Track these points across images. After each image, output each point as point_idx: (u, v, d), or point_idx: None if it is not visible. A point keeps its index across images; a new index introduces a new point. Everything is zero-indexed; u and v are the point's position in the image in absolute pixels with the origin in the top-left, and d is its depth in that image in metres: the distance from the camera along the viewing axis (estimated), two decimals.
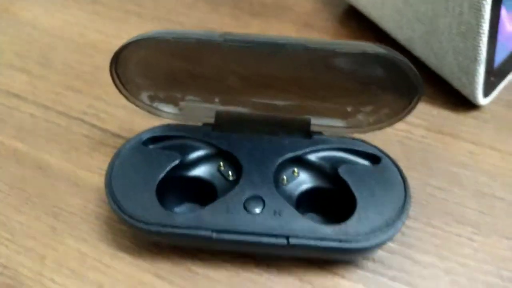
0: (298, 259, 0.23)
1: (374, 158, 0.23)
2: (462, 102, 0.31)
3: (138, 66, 0.22)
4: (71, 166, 0.27)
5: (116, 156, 0.23)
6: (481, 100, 0.30)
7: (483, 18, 0.26)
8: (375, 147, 0.23)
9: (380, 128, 0.24)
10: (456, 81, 0.30)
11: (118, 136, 0.29)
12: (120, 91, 0.24)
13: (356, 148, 0.23)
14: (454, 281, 0.22)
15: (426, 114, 0.30)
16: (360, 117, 0.24)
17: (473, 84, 0.29)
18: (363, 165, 0.23)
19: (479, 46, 0.27)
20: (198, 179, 0.23)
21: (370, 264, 0.23)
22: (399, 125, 0.26)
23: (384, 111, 0.23)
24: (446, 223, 0.25)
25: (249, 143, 0.23)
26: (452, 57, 0.29)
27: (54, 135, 0.29)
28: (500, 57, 0.30)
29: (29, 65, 0.34)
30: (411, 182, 0.23)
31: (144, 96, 0.24)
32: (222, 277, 0.23)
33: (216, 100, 0.24)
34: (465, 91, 0.30)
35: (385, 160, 0.23)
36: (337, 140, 0.24)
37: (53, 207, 0.26)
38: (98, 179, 0.27)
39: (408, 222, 0.24)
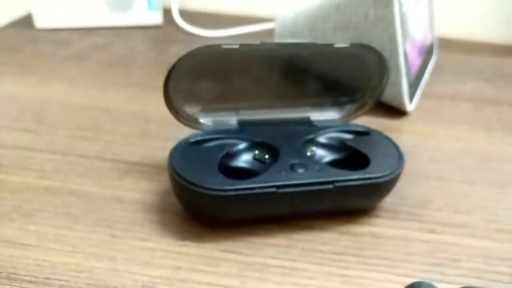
0: (332, 217, 0.29)
1: (364, 133, 0.31)
2: (393, 111, 0.41)
3: (184, 79, 0.28)
4: (108, 190, 0.30)
5: (172, 155, 0.27)
6: (408, 106, 0.41)
7: (398, 44, 0.38)
8: (360, 125, 0.32)
9: (364, 112, 0.32)
10: (389, 97, 0.41)
11: (142, 164, 0.32)
12: (167, 105, 0.28)
13: (349, 128, 0.31)
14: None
15: (371, 123, 0.40)
16: (350, 106, 0.32)
17: (401, 94, 0.40)
18: (361, 136, 0.31)
19: (400, 63, 0.38)
20: (241, 168, 0.28)
21: (383, 213, 0.30)
22: None
23: (367, 97, 0.32)
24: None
25: (272, 134, 0.30)
26: None
27: (81, 171, 0.31)
28: (410, 77, 0.42)
29: (28, 126, 0.36)
30: None
31: (186, 109, 0.29)
32: (282, 241, 0.27)
33: (238, 109, 0.31)
34: (396, 102, 0.41)
35: (372, 132, 0.31)
36: (334, 124, 0.31)
37: (105, 220, 0.27)
38: (138, 195, 0.30)
39: None
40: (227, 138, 0.29)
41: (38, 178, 0.30)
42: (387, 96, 0.41)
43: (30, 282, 0.23)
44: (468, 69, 0.53)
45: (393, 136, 0.38)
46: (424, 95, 0.46)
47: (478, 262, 0.27)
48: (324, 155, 0.30)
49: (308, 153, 0.29)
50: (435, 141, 0.38)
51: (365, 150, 0.29)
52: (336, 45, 0.29)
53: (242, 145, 0.29)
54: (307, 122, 0.31)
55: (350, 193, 0.27)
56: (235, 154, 0.29)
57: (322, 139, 0.30)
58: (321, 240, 0.27)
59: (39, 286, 0.23)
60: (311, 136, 0.30)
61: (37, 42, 0.51)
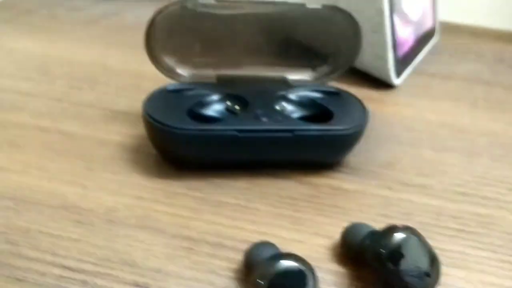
0: (296, 169, 0.30)
1: (335, 93, 0.32)
2: (381, 84, 0.42)
3: (165, 31, 0.30)
4: (92, 132, 0.32)
5: (147, 98, 0.29)
6: (394, 79, 0.42)
7: (385, 16, 0.39)
8: (332, 86, 0.33)
9: (337, 75, 0.33)
10: (375, 69, 0.42)
11: (128, 113, 0.35)
12: (148, 53, 0.30)
13: (321, 88, 0.33)
14: None
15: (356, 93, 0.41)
16: (322, 69, 0.33)
17: (386, 67, 0.41)
18: (331, 96, 0.32)
19: (387, 36, 0.39)
20: (211, 117, 0.30)
21: (346, 170, 0.31)
22: None
23: (340, 61, 0.33)
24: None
25: (247, 89, 0.31)
26: (370, 50, 0.41)
27: (71, 116, 0.34)
28: (400, 53, 0.43)
29: (31, 75, 0.39)
30: None
31: (166, 59, 0.31)
32: (242, 184, 0.29)
33: (217, 64, 0.32)
34: (382, 75, 0.42)
35: (342, 93, 0.32)
36: (308, 84, 0.33)
37: (84, 156, 0.30)
38: (119, 138, 0.32)
39: None
40: (203, 89, 0.31)
41: (31, 118, 0.33)
42: (373, 68, 0.42)
43: (9, 199, 0.26)
44: (468, 52, 0.53)
45: (374, 106, 0.39)
46: (416, 73, 0.46)
47: (428, 217, 0.28)
48: (294, 111, 0.31)
49: (277, 107, 0.31)
50: (415, 112, 0.39)
51: (331, 107, 0.30)
52: (309, 6, 0.30)
53: (215, 97, 0.31)
54: (283, 81, 0.33)
55: (309, 143, 0.28)
56: (208, 104, 0.31)
57: (293, 96, 0.32)
58: (279, 186, 0.29)
59: (15, 202, 0.26)
60: (282, 93, 0.32)
61: (52, 7, 0.55)
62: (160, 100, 0.29)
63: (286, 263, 0.20)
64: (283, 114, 0.29)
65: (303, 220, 0.27)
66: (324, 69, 0.33)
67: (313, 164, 0.30)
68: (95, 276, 0.22)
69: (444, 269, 0.24)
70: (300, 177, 0.30)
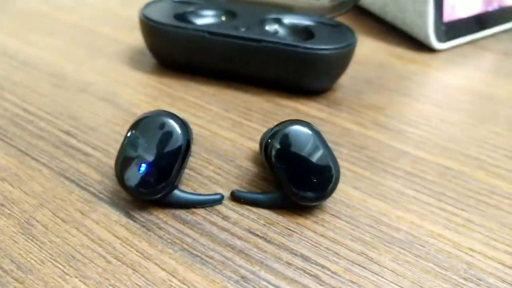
0: (271, 89, 0.30)
1: (334, 26, 0.31)
2: (424, 48, 0.39)
3: None
4: (115, 35, 0.37)
5: (151, 2, 0.32)
6: (435, 42, 0.38)
7: None
8: (335, 20, 0.32)
9: (345, 11, 0.32)
10: (415, 27, 0.39)
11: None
12: None
13: (321, 20, 0.32)
14: None
15: (392, 51, 0.38)
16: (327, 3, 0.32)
17: (426, 25, 0.37)
18: (329, 27, 0.31)
19: None
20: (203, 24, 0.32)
21: (322, 101, 0.30)
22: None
23: None
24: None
25: (248, 8, 0.32)
26: (412, 7, 0.38)
27: (108, 21, 0.39)
28: (447, 18, 0.38)
29: None
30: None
31: None
32: (211, 91, 0.30)
33: None
34: (421, 35, 0.38)
35: (341, 26, 0.31)
36: (309, 14, 0.32)
37: (97, 48, 0.34)
38: (133, 42, 0.35)
39: None
40: (206, 4, 0.33)
41: (75, 17, 0.39)
42: (414, 27, 0.39)
43: (19, 62, 0.31)
44: None
45: (398, 61, 0.36)
46: (474, 45, 0.41)
47: (384, 157, 0.25)
48: (286, 36, 0.31)
49: (267, 28, 0.31)
50: (443, 75, 0.35)
51: (321, 35, 0.29)
52: None
53: (213, 12, 0.32)
54: (289, 9, 0.33)
55: (278, 58, 0.28)
56: (203, 16, 0.32)
57: (287, 21, 0.31)
58: (244, 99, 0.29)
59: (21, 64, 0.31)
60: (278, 16, 0.32)
61: None
62: (161, 6, 0.32)
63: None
64: (263, 29, 0.30)
65: (246, 126, 0.27)
66: (326, 1, 0.32)
67: (290, 88, 0.30)
68: (41, 120, 0.26)
69: (363, 196, 0.22)
70: (270, 97, 0.30)
